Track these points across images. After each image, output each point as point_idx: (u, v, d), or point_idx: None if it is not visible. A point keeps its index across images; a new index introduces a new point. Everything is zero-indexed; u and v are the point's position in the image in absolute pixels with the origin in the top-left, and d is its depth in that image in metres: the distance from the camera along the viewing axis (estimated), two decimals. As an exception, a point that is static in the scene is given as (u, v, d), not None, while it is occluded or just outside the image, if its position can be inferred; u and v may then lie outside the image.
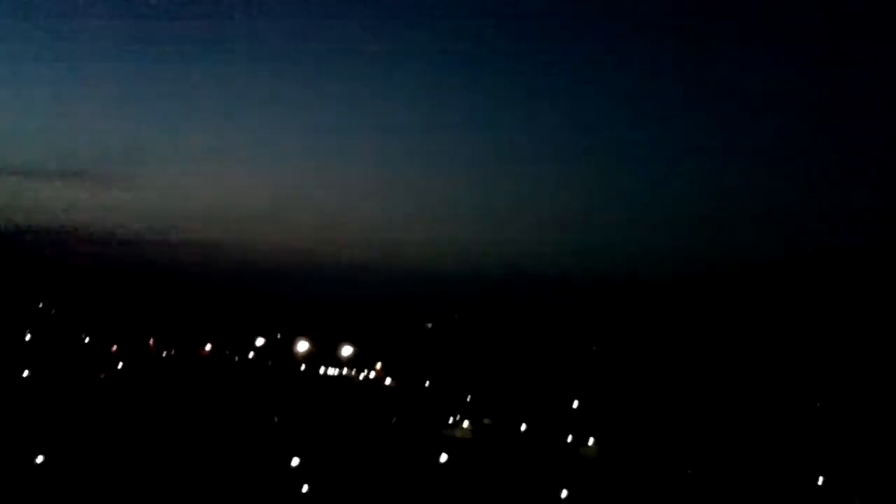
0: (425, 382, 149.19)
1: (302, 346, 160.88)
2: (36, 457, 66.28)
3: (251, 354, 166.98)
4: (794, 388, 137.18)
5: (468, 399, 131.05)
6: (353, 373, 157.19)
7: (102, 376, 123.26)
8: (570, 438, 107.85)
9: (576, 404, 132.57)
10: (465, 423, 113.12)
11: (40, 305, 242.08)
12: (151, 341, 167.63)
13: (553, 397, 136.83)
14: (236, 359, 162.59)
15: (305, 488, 68.18)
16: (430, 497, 70.45)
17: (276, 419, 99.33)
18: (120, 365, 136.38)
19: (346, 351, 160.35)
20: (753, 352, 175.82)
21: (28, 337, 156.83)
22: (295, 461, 75.69)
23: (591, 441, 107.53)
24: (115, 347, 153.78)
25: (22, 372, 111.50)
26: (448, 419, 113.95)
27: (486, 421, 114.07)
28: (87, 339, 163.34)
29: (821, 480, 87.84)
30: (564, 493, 75.70)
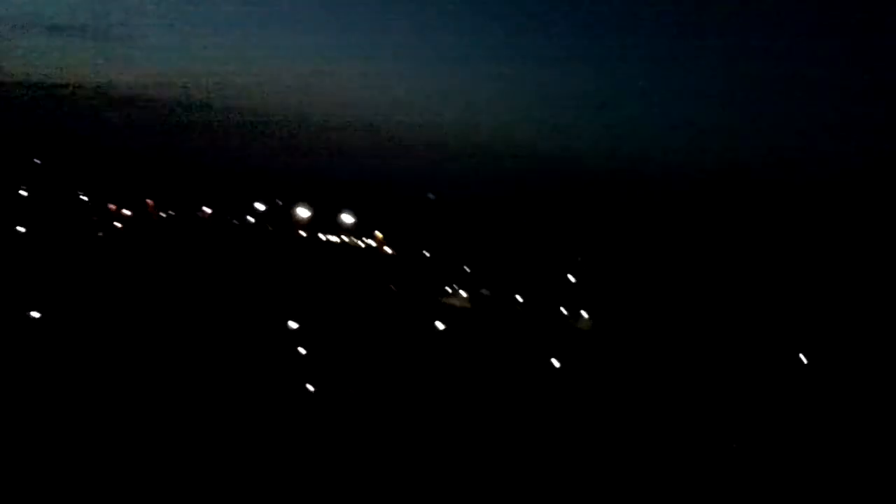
0: (424, 252, 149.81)
1: (302, 212, 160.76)
2: (30, 312, 66.56)
3: (251, 219, 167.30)
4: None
5: (467, 270, 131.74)
6: (352, 240, 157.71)
7: (100, 234, 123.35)
8: (564, 311, 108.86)
9: (572, 278, 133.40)
10: (463, 293, 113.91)
11: (36, 161, 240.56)
12: (150, 202, 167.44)
13: (550, 272, 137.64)
14: (235, 223, 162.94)
15: (302, 351, 68.81)
16: (426, 363, 71.26)
17: (274, 283, 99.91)
18: (119, 224, 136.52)
19: (347, 219, 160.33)
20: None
21: (24, 193, 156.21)
22: (292, 324, 76.32)
23: (584, 314, 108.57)
24: (112, 206, 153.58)
25: (16, 227, 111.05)
26: (446, 289, 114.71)
27: (483, 292, 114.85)
28: (84, 198, 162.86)
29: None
30: (557, 364, 76.70)
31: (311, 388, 59.39)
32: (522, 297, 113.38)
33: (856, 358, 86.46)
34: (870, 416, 66.09)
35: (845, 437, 61.06)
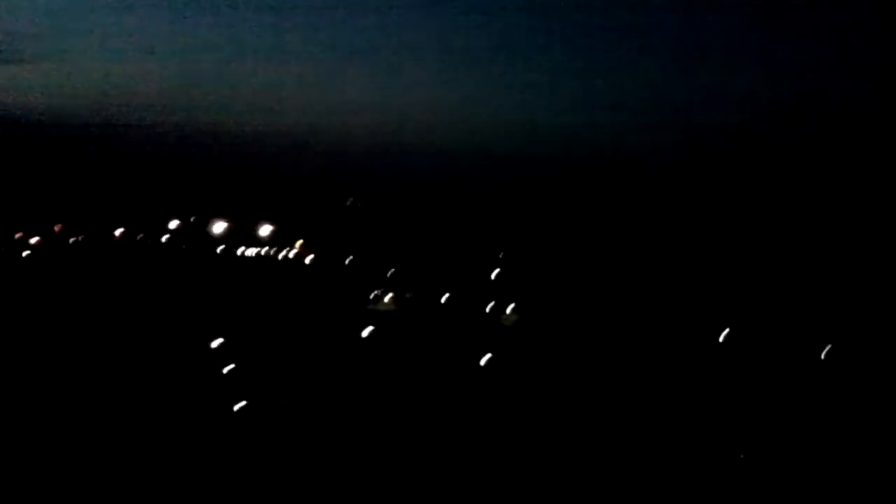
0: (346, 259, 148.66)
1: (218, 226, 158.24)
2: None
3: (164, 238, 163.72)
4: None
5: (390, 273, 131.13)
6: (273, 252, 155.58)
7: (5, 266, 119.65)
8: (489, 307, 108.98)
9: (494, 274, 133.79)
10: (388, 297, 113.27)
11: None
12: (57, 227, 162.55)
13: (473, 267, 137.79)
14: (149, 242, 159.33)
15: (227, 368, 67.48)
16: (354, 370, 70.59)
17: (193, 303, 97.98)
18: (25, 253, 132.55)
19: (265, 230, 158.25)
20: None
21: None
22: (216, 342, 74.84)
23: (509, 309, 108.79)
24: (19, 234, 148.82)
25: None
26: (370, 294, 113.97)
27: (407, 294, 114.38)
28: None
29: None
30: (485, 359, 76.63)
31: (236, 407, 58.13)
32: (447, 294, 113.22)
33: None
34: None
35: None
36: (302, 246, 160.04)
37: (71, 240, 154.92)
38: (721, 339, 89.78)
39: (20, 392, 57.50)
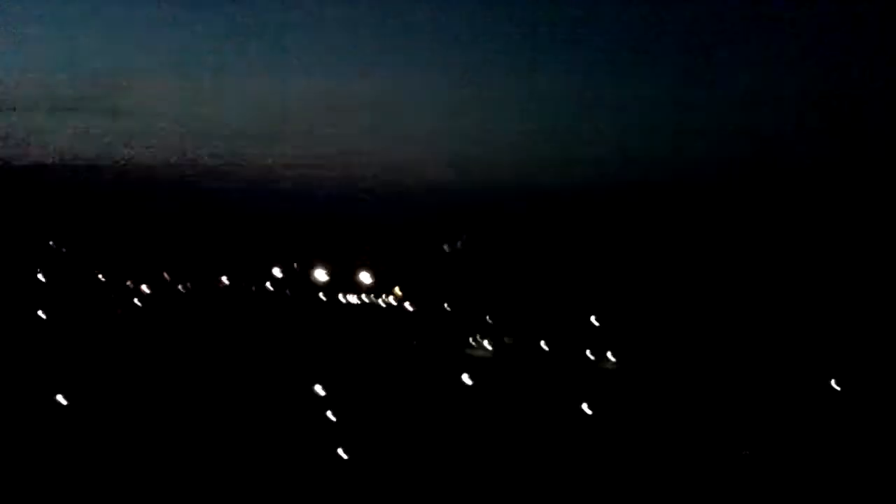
0: (444, 305, 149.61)
1: (320, 274, 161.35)
2: (55, 396, 66.80)
3: (268, 285, 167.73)
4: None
5: (488, 319, 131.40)
6: (373, 298, 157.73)
7: (119, 312, 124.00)
8: (589, 353, 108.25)
9: (594, 320, 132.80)
10: (486, 343, 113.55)
11: (51, 244, 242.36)
12: (166, 275, 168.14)
13: (571, 314, 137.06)
14: (254, 289, 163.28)
15: (331, 415, 68.61)
16: (455, 417, 70.86)
17: (297, 349, 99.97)
18: (136, 300, 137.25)
19: (365, 277, 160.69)
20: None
21: (41, 277, 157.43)
22: (319, 389, 76.20)
23: (609, 355, 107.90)
24: (129, 283, 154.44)
25: (36, 313, 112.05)
26: (469, 340, 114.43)
27: (506, 340, 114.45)
28: (101, 277, 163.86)
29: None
30: (586, 407, 76.06)
31: (342, 454, 59.08)
32: (547, 342, 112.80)
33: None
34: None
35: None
36: (399, 292, 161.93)
37: (179, 286, 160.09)
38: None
39: (127, 432, 59.43)
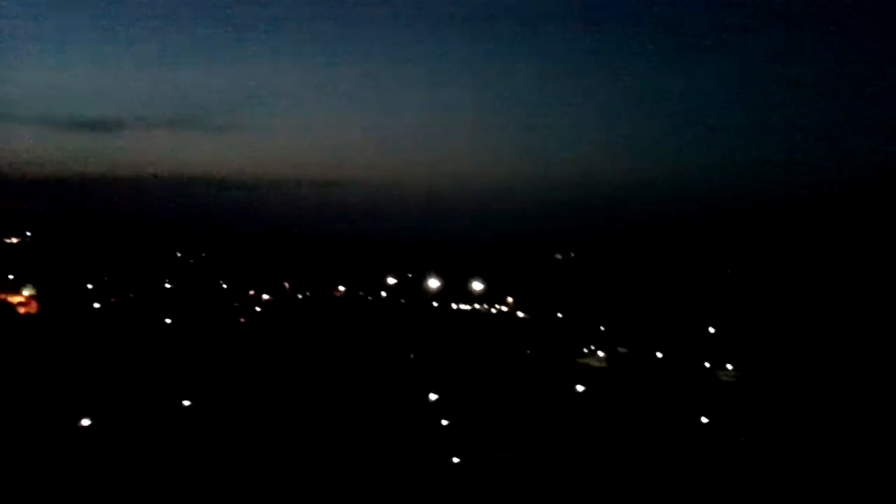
0: (557, 314, 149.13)
1: (433, 283, 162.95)
2: (182, 401, 69.24)
3: (383, 294, 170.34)
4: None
5: (602, 329, 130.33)
6: (484, 307, 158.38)
7: (243, 320, 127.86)
8: (707, 364, 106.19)
9: (712, 329, 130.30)
10: (600, 353, 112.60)
11: (178, 255, 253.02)
12: (286, 285, 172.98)
13: (688, 323, 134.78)
14: (369, 298, 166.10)
15: (445, 422, 69.20)
16: (569, 427, 70.54)
17: (412, 356, 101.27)
18: (258, 308, 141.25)
19: (477, 286, 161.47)
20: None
21: (168, 286, 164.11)
22: (433, 396, 76.98)
23: (728, 366, 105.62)
24: (251, 292, 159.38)
25: (164, 319, 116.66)
26: (582, 349, 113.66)
27: (621, 350, 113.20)
28: (224, 286, 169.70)
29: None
30: (704, 420, 74.69)
31: (456, 459, 59.59)
32: (661, 351, 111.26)
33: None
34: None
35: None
36: (512, 302, 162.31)
37: (298, 296, 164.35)
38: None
39: (249, 433, 61.23)
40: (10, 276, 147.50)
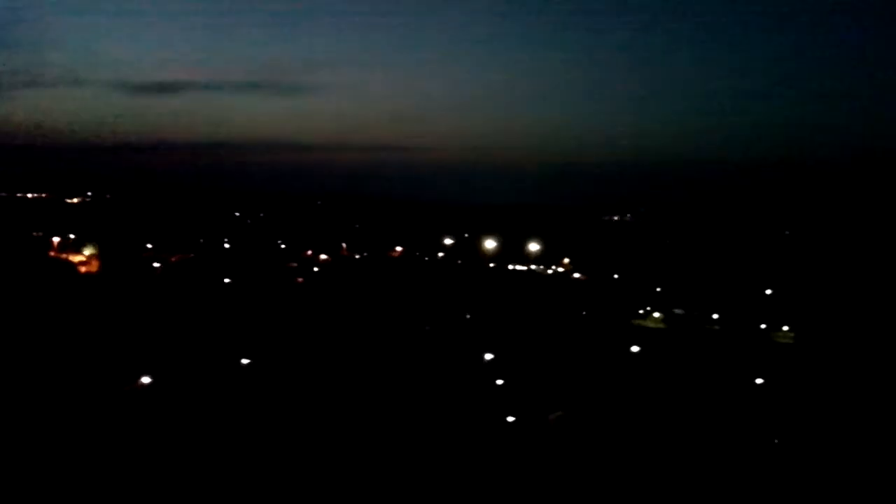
0: (614, 275, 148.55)
1: (489, 244, 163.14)
2: (241, 359, 70.60)
3: (440, 254, 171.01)
4: None
5: (658, 290, 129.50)
6: (541, 268, 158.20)
7: (300, 280, 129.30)
8: (763, 326, 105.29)
9: (769, 291, 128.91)
10: (656, 314, 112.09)
11: (236, 215, 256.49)
12: (343, 245, 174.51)
13: (745, 285, 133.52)
14: (426, 259, 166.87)
15: (500, 382, 69.71)
16: (624, 387, 70.64)
17: (468, 316, 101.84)
18: (315, 269, 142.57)
19: (533, 247, 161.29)
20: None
21: (226, 246, 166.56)
22: (488, 356, 77.49)
23: (785, 328, 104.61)
24: (308, 252, 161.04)
25: (223, 279, 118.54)
26: (638, 311, 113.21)
27: (677, 311, 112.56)
28: (282, 246, 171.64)
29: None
30: (759, 381, 74.27)
31: (510, 419, 60.15)
32: (718, 312, 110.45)
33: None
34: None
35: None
36: (568, 263, 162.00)
37: (356, 257, 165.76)
38: None
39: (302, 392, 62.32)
40: (72, 236, 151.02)
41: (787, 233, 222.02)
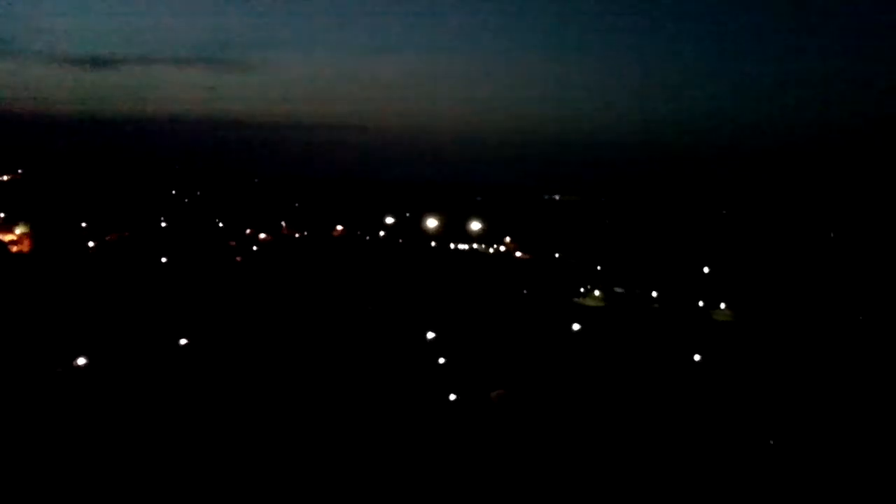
0: (555, 254, 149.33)
1: (431, 223, 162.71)
2: (179, 339, 69.42)
3: (382, 233, 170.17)
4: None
5: (599, 269, 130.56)
6: (483, 247, 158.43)
7: (239, 259, 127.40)
8: (701, 303, 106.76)
9: (706, 270, 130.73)
10: (597, 293, 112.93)
11: (173, 193, 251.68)
12: (283, 224, 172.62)
13: (683, 263, 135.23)
14: (367, 238, 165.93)
15: (442, 360, 69.56)
16: (565, 364, 71.03)
17: (410, 295, 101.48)
18: (255, 247, 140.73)
19: (476, 226, 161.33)
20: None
21: (163, 224, 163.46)
22: (430, 335, 77.27)
23: (722, 305, 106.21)
24: (248, 231, 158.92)
25: (160, 258, 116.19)
26: (579, 289, 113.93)
27: (617, 289, 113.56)
28: (221, 224, 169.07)
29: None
30: (697, 358, 75.23)
31: (452, 397, 60.04)
32: (657, 290, 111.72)
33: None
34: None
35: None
36: (511, 241, 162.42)
37: (297, 235, 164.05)
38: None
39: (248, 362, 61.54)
40: (2, 215, 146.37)
41: (723, 212, 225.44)
